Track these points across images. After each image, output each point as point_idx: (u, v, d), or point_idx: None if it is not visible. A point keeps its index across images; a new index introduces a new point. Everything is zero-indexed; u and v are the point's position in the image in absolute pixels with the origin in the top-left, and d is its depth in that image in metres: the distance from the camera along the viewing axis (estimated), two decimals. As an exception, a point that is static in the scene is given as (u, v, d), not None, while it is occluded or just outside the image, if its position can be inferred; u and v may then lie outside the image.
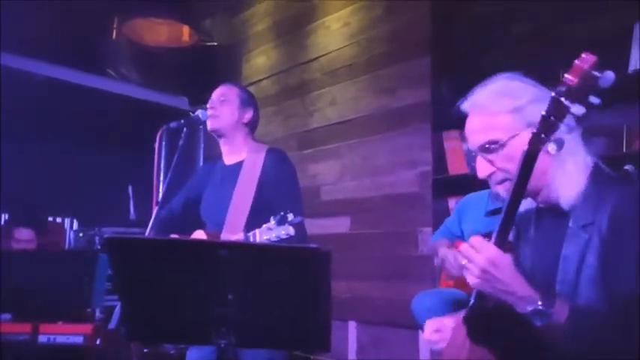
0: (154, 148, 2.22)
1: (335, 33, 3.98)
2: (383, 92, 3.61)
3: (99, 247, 4.20)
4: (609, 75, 1.04)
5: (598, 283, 1.13)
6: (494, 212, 2.35)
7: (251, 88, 3.24)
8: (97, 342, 2.71)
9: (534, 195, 1.29)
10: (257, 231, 1.92)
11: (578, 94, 1.06)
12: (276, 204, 2.05)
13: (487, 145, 1.27)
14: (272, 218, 1.88)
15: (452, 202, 3.23)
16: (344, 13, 3.94)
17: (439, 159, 3.24)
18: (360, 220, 3.66)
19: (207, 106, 2.32)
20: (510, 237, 1.41)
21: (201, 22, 4.97)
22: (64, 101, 4.40)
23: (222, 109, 2.30)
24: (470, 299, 1.28)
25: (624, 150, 2.56)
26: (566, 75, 1.06)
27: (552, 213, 1.29)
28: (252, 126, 2.39)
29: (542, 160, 1.20)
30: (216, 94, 2.35)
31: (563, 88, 1.06)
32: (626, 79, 2.52)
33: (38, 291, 2.67)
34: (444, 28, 3.34)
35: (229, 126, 2.31)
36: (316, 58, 4.09)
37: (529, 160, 1.13)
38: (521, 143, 1.18)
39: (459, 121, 3.43)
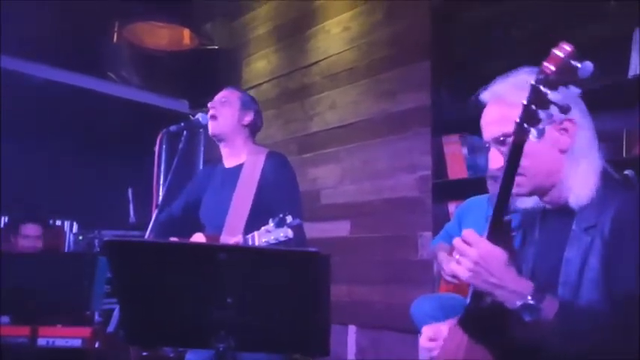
0: (154, 152, 2.21)
1: (335, 37, 3.99)
2: (383, 96, 3.62)
3: (98, 250, 4.20)
4: (588, 65, 1.04)
5: (600, 286, 1.13)
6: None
7: (251, 92, 3.25)
8: (96, 345, 2.71)
9: (542, 194, 1.29)
10: (255, 233, 1.92)
11: (557, 83, 1.06)
12: (276, 207, 2.05)
13: (502, 138, 1.26)
14: (271, 220, 1.88)
15: (452, 207, 3.23)
16: (344, 17, 3.95)
17: (439, 163, 3.25)
18: (360, 224, 3.66)
19: (209, 105, 2.34)
20: (517, 240, 1.42)
21: (201, 25, 4.98)
22: (65, 104, 4.40)
23: (222, 110, 2.32)
24: (469, 302, 1.28)
25: (624, 155, 2.56)
26: (544, 63, 1.06)
27: (558, 215, 1.29)
28: (252, 129, 2.39)
29: (554, 159, 1.21)
30: (217, 96, 2.38)
31: (542, 76, 1.06)
32: (625, 84, 2.53)
33: (37, 293, 2.67)
34: (444, 32, 3.34)
35: (229, 128, 2.32)
36: (316, 62, 4.10)
37: (516, 151, 1.13)
38: (536, 141, 1.18)
39: (458, 126, 3.44)
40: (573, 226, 1.21)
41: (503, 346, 1.19)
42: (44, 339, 2.65)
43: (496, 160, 1.29)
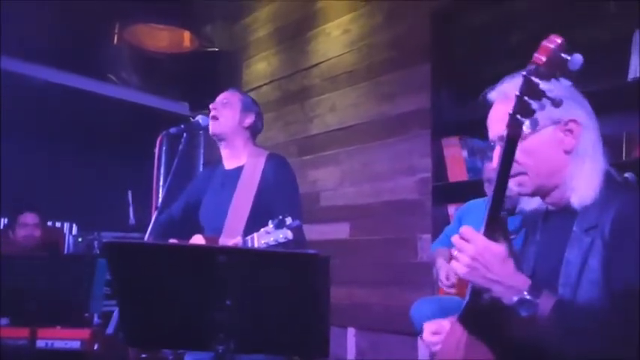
0: (153, 153, 2.22)
1: (335, 40, 4.00)
2: (383, 99, 3.62)
3: (98, 251, 4.20)
4: (577, 58, 1.06)
5: (599, 286, 1.13)
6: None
7: (252, 94, 3.25)
8: (95, 347, 2.70)
9: (545, 195, 1.29)
10: (255, 235, 1.92)
11: (547, 74, 1.07)
12: (276, 209, 2.05)
13: None
14: (270, 222, 1.87)
15: (451, 209, 3.23)
16: (344, 20, 3.95)
17: (439, 166, 3.25)
18: (360, 227, 3.66)
19: (210, 106, 2.34)
20: (519, 240, 1.42)
21: (202, 27, 4.99)
22: (65, 106, 4.41)
23: (223, 111, 2.32)
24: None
25: (624, 158, 2.56)
26: (535, 54, 1.08)
27: (559, 215, 1.29)
28: (253, 131, 2.39)
29: (558, 159, 1.22)
30: (219, 98, 2.38)
31: (533, 67, 1.08)
32: (625, 86, 2.53)
33: (37, 295, 2.66)
34: (444, 35, 3.35)
35: (230, 129, 2.32)
36: (317, 65, 4.11)
37: (510, 143, 1.13)
38: (542, 139, 1.20)
39: (458, 128, 3.44)
40: (574, 227, 1.21)
41: (502, 343, 1.20)
42: (43, 341, 2.65)
43: None
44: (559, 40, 1.07)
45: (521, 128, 1.11)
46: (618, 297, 1.10)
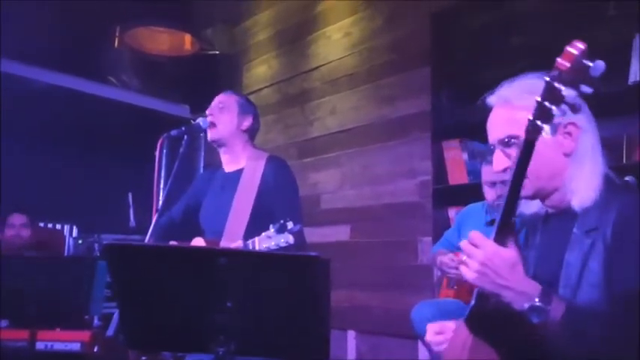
0: (154, 156, 2.22)
1: (336, 43, 4.00)
2: (383, 102, 3.63)
3: (98, 254, 4.19)
4: (600, 64, 1.06)
5: (600, 288, 1.13)
6: (494, 222, 2.35)
7: (252, 97, 3.25)
8: (95, 349, 2.70)
9: (545, 197, 1.30)
10: (256, 239, 1.92)
11: (570, 80, 1.07)
12: (276, 212, 2.05)
13: (507, 140, 1.28)
14: (271, 226, 1.87)
15: (452, 212, 3.23)
16: (345, 23, 3.96)
17: (439, 168, 3.25)
18: (360, 229, 3.66)
19: (207, 112, 2.33)
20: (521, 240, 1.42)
21: (202, 31, 4.99)
22: (66, 108, 4.40)
23: (221, 116, 2.31)
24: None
25: (624, 161, 2.56)
26: (558, 60, 1.07)
27: (559, 218, 1.29)
28: (251, 133, 2.39)
29: (557, 162, 1.22)
30: (215, 102, 2.36)
31: (556, 73, 1.07)
32: (625, 90, 2.53)
33: (36, 297, 2.66)
34: (444, 38, 3.35)
35: (229, 133, 2.31)
36: (317, 68, 4.11)
37: (527, 149, 1.13)
38: (540, 143, 1.19)
39: (458, 131, 3.44)
40: (574, 229, 1.22)
41: (508, 346, 1.19)
42: (43, 343, 2.64)
43: (500, 161, 1.30)
44: (582, 46, 1.06)
45: (540, 134, 1.10)
46: (619, 299, 1.10)
